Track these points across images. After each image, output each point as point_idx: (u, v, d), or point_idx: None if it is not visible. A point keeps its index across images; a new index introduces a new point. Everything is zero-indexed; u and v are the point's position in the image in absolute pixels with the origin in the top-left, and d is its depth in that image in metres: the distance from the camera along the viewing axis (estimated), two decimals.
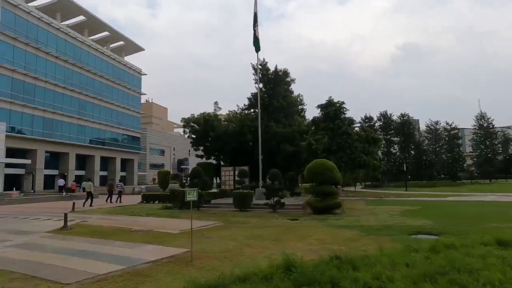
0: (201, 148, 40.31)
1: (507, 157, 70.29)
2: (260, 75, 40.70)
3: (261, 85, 41.63)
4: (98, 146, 55.00)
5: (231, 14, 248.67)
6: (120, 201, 26.35)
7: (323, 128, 32.09)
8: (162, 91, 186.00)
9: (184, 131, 40.77)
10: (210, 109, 54.22)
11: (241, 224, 13.56)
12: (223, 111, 59.60)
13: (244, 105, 41.41)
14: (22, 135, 41.70)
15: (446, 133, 70.43)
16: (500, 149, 72.10)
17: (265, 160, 36.15)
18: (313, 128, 34.93)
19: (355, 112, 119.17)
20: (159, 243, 9.47)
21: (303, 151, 34.44)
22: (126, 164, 64.61)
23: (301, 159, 36.20)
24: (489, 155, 70.00)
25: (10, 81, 40.17)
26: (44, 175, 45.39)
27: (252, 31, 25.77)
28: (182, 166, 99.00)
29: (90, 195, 23.98)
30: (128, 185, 55.82)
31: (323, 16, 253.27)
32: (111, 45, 61.37)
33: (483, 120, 72.10)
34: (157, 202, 25.56)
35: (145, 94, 72.33)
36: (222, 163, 39.16)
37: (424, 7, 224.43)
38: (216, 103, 41.92)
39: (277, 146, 35.26)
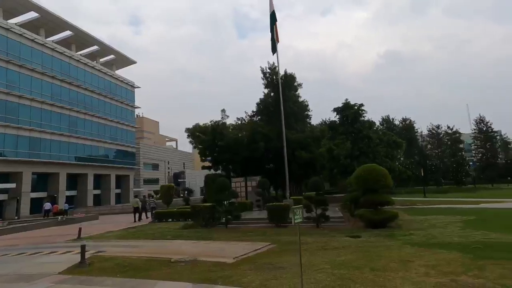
0: (209, 158, 37.61)
1: (509, 161, 69.41)
2: (269, 79, 38.78)
3: (267, 90, 39.69)
4: (91, 163, 51.79)
5: (216, 26, 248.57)
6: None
7: (342, 132, 30.07)
8: (152, 105, 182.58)
9: (190, 142, 38.01)
10: (203, 121, 51.35)
11: (297, 245, 11.07)
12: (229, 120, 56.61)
13: (252, 111, 39.15)
14: (4, 158, 38.46)
15: (447, 137, 69.31)
16: (501, 153, 71.27)
17: (280, 169, 33.81)
18: (330, 132, 32.80)
19: None
20: (226, 283, 6.97)
21: (318, 158, 32.30)
22: (120, 180, 61.32)
23: (316, 166, 34.06)
24: (490, 160, 68.99)
25: None
26: (31, 198, 41.99)
27: (269, 34, 23.76)
28: (179, 180, 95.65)
29: (137, 211, 24.68)
30: (125, 203, 52.66)
31: (308, 26, 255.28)
32: (101, 60, 58.86)
33: (482, 124, 71.34)
34: (170, 220, 22.91)
35: (139, 108, 69.41)
36: (232, 174, 36.51)
37: (402, 17, 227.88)
38: (223, 110, 38.72)
39: (292, 153, 32.82)
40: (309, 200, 15.73)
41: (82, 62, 51.37)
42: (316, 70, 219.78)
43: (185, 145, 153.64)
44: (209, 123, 36.80)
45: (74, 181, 50.72)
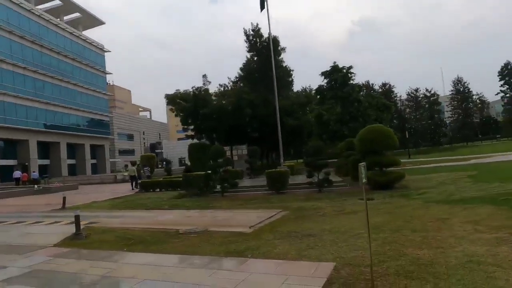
0: (191, 127, 36.07)
1: (484, 119, 72.10)
2: (252, 42, 36.84)
3: (250, 54, 37.79)
4: (63, 131, 48.65)
5: None
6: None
7: (331, 97, 29.24)
8: (122, 74, 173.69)
9: (171, 109, 36.02)
10: (179, 89, 47.52)
11: (314, 211, 10.37)
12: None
13: (236, 77, 37.48)
14: None
15: (426, 100, 70.58)
16: (476, 112, 73.69)
17: (266, 137, 32.89)
18: (317, 98, 31.91)
19: None
20: (257, 255, 6.07)
21: (305, 124, 31.60)
22: (96, 150, 58.51)
23: (302, 133, 33.43)
24: (466, 119, 71.32)
25: None
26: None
27: None
28: (156, 151, 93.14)
29: (134, 179, 24.62)
30: (102, 174, 50.58)
31: None
32: (65, 17, 53.63)
33: (459, 85, 72.92)
34: (158, 190, 21.76)
35: (110, 74, 64.95)
36: (216, 143, 35.31)
37: None
38: (205, 76, 36.59)
39: (280, 120, 31.87)
40: (311, 165, 14.98)
41: (44, 19, 46.40)
42: (291, 39, 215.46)
43: (160, 116, 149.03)
44: (191, 90, 34.97)
45: (46, 149, 47.78)
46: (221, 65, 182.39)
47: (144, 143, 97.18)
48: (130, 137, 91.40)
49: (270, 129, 32.60)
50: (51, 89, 46.99)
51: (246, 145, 32.55)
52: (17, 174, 33.74)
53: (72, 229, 9.51)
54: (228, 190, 15.97)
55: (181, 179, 23.00)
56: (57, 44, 48.42)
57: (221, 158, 16.07)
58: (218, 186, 16.25)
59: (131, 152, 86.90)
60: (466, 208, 8.77)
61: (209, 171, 16.16)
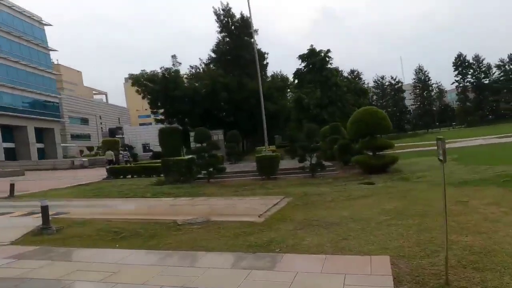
0: (161, 110, 34.05)
1: (442, 107, 75.71)
2: (223, 22, 35.09)
3: (222, 35, 36.07)
4: None
5: None
6: None
7: (309, 81, 28.59)
8: (72, 54, 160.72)
9: (137, 91, 33.59)
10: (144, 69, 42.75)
11: (319, 196, 9.62)
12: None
13: (207, 59, 35.69)
14: None
15: (390, 88, 72.68)
16: (436, 100, 77.10)
17: (243, 121, 31.82)
18: (296, 81, 31.19)
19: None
20: (288, 250, 5.18)
21: (283, 109, 30.90)
22: (43, 134, 53.11)
23: (280, 118, 32.77)
24: (427, 107, 74.49)
25: None
26: None
27: None
28: (116, 136, 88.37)
29: (111, 163, 24.62)
30: (52, 159, 46.26)
31: None
32: None
33: (421, 73, 75.69)
34: (129, 176, 20.18)
35: (55, 50, 58.06)
36: (189, 128, 33.64)
37: None
38: (174, 56, 34.25)
39: (256, 105, 30.83)
40: (304, 148, 14.25)
41: None
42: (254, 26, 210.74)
43: (117, 100, 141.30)
44: (159, 71, 32.82)
45: None
46: (183, 49, 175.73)
47: (102, 128, 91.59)
48: (85, 121, 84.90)
49: (245, 113, 31.62)
50: None
51: (222, 130, 31.35)
52: None
53: (32, 221, 8.15)
54: (214, 176, 14.90)
55: (155, 165, 21.64)
56: None
57: (206, 142, 14.85)
58: (202, 172, 15.15)
59: (86, 136, 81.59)
60: (476, 190, 8.52)
61: (193, 156, 14.94)
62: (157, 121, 36.55)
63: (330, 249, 4.95)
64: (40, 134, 51.91)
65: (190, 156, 15.24)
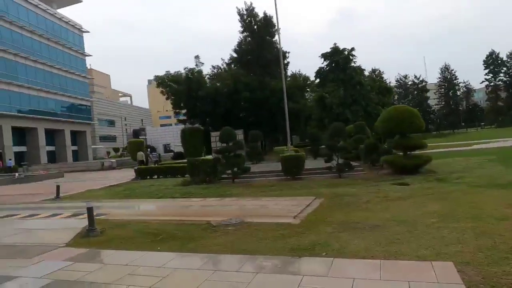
0: (183, 111, 34.33)
1: (470, 107, 72.99)
2: (246, 22, 35.11)
3: (243, 35, 36.03)
4: (40, 116, 45.17)
5: None
6: None
7: (332, 80, 28.11)
8: (98, 58, 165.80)
9: (162, 92, 33.99)
10: (168, 70, 42.91)
11: (352, 197, 9.33)
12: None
13: (229, 59, 35.77)
14: None
15: (414, 87, 70.78)
16: (463, 100, 74.49)
17: (264, 121, 31.63)
18: (318, 80, 30.74)
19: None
20: (336, 254, 4.96)
21: (303, 108, 30.53)
22: (76, 137, 55.23)
23: (300, 117, 32.40)
24: (453, 107, 72.08)
25: None
26: None
27: None
28: (140, 137, 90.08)
29: (143, 164, 25.30)
30: (84, 161, 48.10)
31: None
32: None
33: (447, 72, 73.30)
34: (155, 177, 20.37)
35: (90, 56, 60.41)
36: (210, 128, 33.72)
37: None
38: (197, 57, 34.49)
39: (278, 104, 30.53)
40: (331, 148, 13.94)
41: None
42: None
43: (139, 102, 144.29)
44: (183, 71, 33.11)
45: (22, 136, 44.50)
46: (205, 49, 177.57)
47: (126, 129, 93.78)
48: (111, 123, 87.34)
49: (267, 113, 31.43)
50: (25, 70, 43.15)
51: (242, 130, 31.30)
52: None
53: (78, 223, 8.28)
54: (239, 176, 14.79)
55: (179, 165, 21.78)
56: (30, 22, 44.38)
57: (231, 141, 14.76)
58: (227, 172, 15.06)
59: (112, 138, 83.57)
60: None
61: (218, 155, 14.89)
62: (179, 121, 36.80)
63: (380, 254, 4.71)
64: (74, 137, 53.75)
65: (215, 156, 15.15)
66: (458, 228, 5.59)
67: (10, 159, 37.11)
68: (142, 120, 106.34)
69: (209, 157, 21.94)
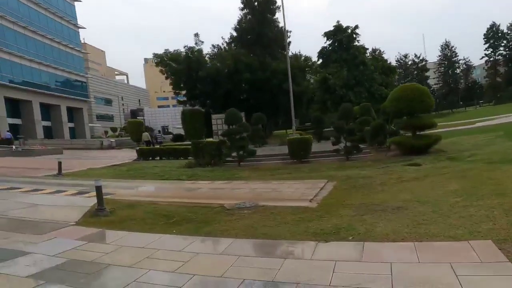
0: (183, 92, 33.69)
1: (469, 85, 71.81)
2: None
3: (244, 12, 34.89)
4: (34, 89, 42.88)
5: None
6: None
7: (335, 60, 27.49)
8: (94, 34, 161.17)
9: (161, 71, 33.19)
10: (167, 48, 40.37)
11: (366, 179, 9.14)
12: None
13: (229, 38, 34.85)
14: None
15: (414, 67, 69.92)
16: (462, 78, 73.25)
17: (266, 103, 31.14)
18: (320, 61, 30.07)
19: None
20: (362, 237, 4.76)
21: (305, 90, 30.03)
22: (73, 113, 53.30)
23: (302, 99, 31.90)
24: (452, 85, 71.24)
25: None
26: None
27: None
28: (137, 118, 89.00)
29: (148, 144, 25.57)
30: (81, 139, 46.78)
31: None
32: None
33: (447, 49, 71.97)
34: (158, 158, 20.16)
35: (83, 28, 56.14)
36: (210, 110, 33.21)
37: None
38: (197, 35, 33.42)
39: (279, 86, 29.94)
40: (339, 130, 13.66)
41: None
42: None
43: (135, 82, 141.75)
44: (182, 50, 32.25)
45: (16, 108, 42.43)
46: (205, 27, 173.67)
47: (123, 109, 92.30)
48: (108, 101, 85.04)
49: (268, 95, 30.92)
50: (14, 37, 39.52)
51: (243, 113, 30.87)
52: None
53: (84, 201, 8.07)
54: (244, 159, 14.57)
55: (182, 147, 21.51)
56: None
57: (237, 123, 14.45)
58: (232, 155, 14.84)
59: (109, 117, 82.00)
60: None
61: (223, 138, 14.61)
62: (179, 103, 36.19)
63: (411, 236, 4.52)
64: (71, 113, 52.14)
65: (221, 139, 14.87)
66: (484, 206, 5.40)
67: (8, 131, 35.21)
68: (139, 100, 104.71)
69: (210, 139, 21.66)
